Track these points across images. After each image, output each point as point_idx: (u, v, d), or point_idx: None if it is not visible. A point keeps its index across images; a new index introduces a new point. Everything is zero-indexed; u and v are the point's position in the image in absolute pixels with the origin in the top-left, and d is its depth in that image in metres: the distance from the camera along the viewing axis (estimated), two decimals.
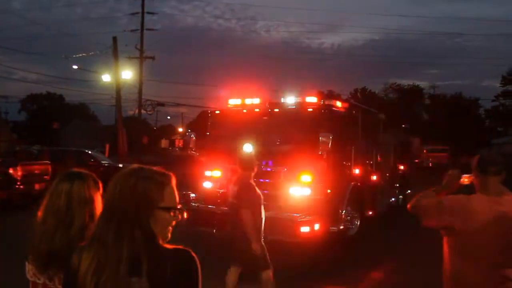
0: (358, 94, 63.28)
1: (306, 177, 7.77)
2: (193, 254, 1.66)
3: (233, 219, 5.35)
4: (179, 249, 1.65)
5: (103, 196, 1.69)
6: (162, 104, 35.90)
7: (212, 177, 8.67)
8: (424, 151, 37.85)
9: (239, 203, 5.12)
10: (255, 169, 5.37)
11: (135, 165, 1.74)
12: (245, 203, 5.07)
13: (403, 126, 25.07)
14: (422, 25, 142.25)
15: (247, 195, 5.12)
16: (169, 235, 1.70)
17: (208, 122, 9.40)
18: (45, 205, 2.24)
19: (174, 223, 1.71)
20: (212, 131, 9.27)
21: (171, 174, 1.75)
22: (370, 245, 9.12)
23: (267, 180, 8.13)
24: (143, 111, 32.25)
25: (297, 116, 8.31)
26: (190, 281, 1.63)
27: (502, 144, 44.19)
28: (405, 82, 71.39)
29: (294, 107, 8.46)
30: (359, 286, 6.81)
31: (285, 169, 7.90)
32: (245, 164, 5.34)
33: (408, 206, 2.93)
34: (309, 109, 8.23)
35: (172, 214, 1.68)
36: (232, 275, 5.36)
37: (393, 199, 12.97)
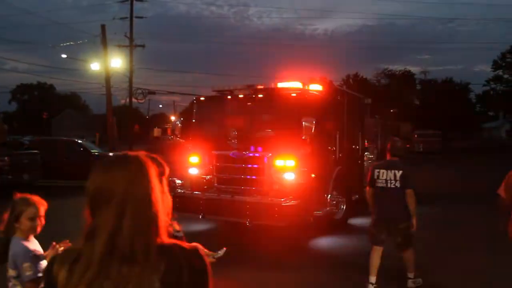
0: (350, 80, 63.24)
1: (290, 162, 7.83)
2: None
3: (389, 199, 5.58)
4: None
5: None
6: (153, 93, 35.70)
7: (197, 163, 8.71)
8: (415, 135, 38.02)
9: (405, 184, 5.50)
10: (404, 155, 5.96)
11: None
12: (412, 184, 5.56)
13: (391, 111, 25.19)
14: (415, 10, 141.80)
15: (414, 178, 5.71)
16: None
17: (193, 108, 9.41)
18: None
19: None
20: (197, 118, 9.29)
21: None
22: (355, 229, 9.23)
23: (254, 166, 8.19)
24: (134, 100, 32.11)
25: (280, 101, 8.33)
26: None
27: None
28: (398, 67, 71.59)
29: (277, 92, 8.49)
30: (345, 270, 6.89)
31: (269, 154, 7.94)
32: (398, 150, 5.81)
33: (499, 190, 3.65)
34: (293, 94, 8.25)
35: None
36: (377, 254, 5.66)
37: None
